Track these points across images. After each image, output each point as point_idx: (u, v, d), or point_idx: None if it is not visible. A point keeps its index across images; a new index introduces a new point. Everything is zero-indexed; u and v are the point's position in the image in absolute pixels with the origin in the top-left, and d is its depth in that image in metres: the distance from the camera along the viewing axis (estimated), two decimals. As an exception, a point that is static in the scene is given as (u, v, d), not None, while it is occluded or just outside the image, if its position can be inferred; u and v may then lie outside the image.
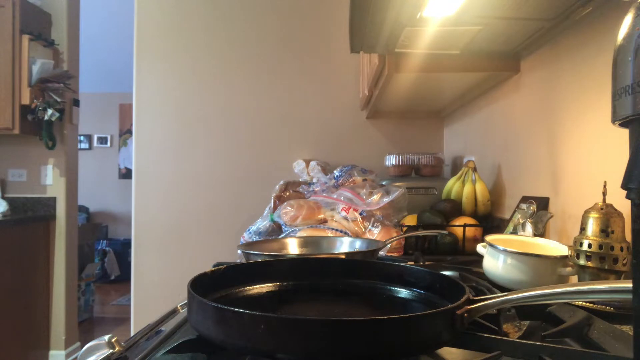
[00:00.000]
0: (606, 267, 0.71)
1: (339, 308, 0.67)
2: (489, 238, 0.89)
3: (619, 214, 0.73)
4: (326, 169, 1.96)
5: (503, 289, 0.80)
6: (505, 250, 0.83)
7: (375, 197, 1.40)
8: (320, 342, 0.42)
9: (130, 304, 2.31)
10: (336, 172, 1.77)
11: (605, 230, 0.72)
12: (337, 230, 1.33)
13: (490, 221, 1.44)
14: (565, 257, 0.79)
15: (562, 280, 0.79)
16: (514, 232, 1.10)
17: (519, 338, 0.58)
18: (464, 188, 1.48)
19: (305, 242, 1.08)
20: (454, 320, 0.46)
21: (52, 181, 3.07)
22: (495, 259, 0.85)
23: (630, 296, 0.36)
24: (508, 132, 1.39)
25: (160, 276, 2.26)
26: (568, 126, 1.02)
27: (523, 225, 1.06)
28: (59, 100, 2.88)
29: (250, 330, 0.43)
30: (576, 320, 0.59)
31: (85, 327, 3.78)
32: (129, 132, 5.88)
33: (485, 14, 0.97)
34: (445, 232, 1.33)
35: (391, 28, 1.04)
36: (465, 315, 0.48)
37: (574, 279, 0.79)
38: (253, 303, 0.64)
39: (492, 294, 0.69)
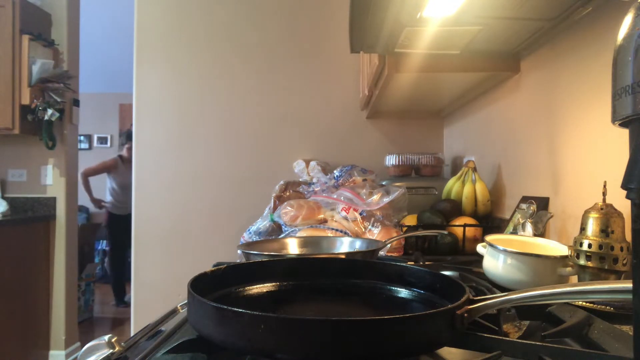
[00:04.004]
0: (606, 267, 0.71)
1: (339, 308, 0.67)
2: (489, 238, 0.89)
3: (619, 214, 0.73)
4: (326, 169, 1.96)
5: (503, 289, 0.80)
6: (505, 250, 0.83)
7: (375, 197, 1.40)
8: (320, 342, 0.42)
9: (130, 304, 2.31)
10: (336, 172, 1.77)
11: (605, 230, 0.72)
12: (337, 230, 1.33)
13: (490, 221, 1.44)
14: (565, 257, 0.79)
15: (562, 280, 0.79)
16: (514, 232, 1.10)
17: (519, 338, 0.58)
18: (464, 188, 1.48)
19: (305, 242, 1.08)
20: (454, 320, 0.46)
21: (52, 181, 3.07)
22: (495, 259, 0.85)
23: (630, 296, 0.36)
24: (508, 132, 1.39)
25: (160, 276, 2.26)
26: (568, 126, 1.02)
27: (523, 225, 1.06)
28: (59, 100, 2.88)
29: (250, 330, 0.43)
30: (576, 320, 0.59)
31: (85, 327, 3.78)
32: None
33: (485, 14, 0.97)
34: (445, 232, 1.33)
35: (391, 28, 1.04)
36: (465, 315, 0.48)
37: (574, 279, 0.79)
38: (253, 303, 0.64)
39: (492, 294, 0.69)
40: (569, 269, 0.79)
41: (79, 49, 3.21)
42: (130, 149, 3.69)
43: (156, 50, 2.28)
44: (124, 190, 4.22)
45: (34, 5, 2.87)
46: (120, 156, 4.36)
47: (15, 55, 2.71)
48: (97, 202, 4.36)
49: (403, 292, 0.66)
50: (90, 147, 6.07)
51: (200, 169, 2.28)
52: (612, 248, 0.71)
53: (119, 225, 4.19)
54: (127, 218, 3.63)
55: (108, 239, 4.58)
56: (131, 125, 3.26)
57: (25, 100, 2.74)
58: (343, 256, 0.92)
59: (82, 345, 0.69)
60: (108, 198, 4.34)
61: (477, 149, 1.71)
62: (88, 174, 4.26)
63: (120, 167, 4.29)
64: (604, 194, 0.75)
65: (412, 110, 2.13)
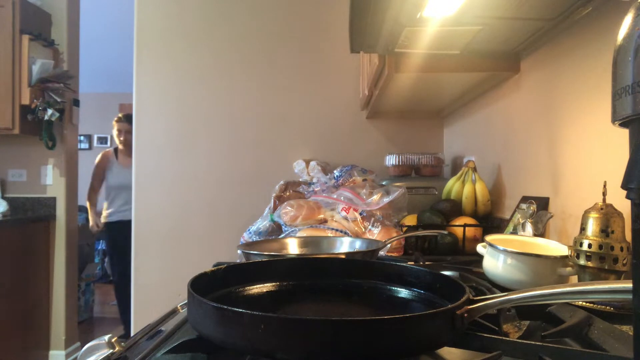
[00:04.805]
0: (606, 267, 0.71)
1: (339, 308, 0.67)
2: (489, 238, 0.89)
3: (619, 214, 0.73)
4: (326, 169, 1.96)
5: (503, 289, 0.80)
6: (505, 250, 0.83)
7: (375, 197, 1.40)
8: (320, 342, 0.42)
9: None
10: (336, 172, 1.77)
11: (605, 230, 0.72)
12: (337, 230, 1.33)
13: (490, 221, 1.44)
14: (565, 257, 0.79)
15: (562, 280, 0.79)
16: (514, 232, 1.10)
17: (519, 338, 0.58)
18: (464, 188, 1.48)
19: (305, 242, 1.08)
20: (454, 320, 0.46)
21: (52, 181, 3.07)
22: (495, 259, 0.85)
23: (630, 296, 0.36)
24: (508, 132, 1.39)
25: (160, 276, 2.26)
26: (568, 126, 1.02)
27: (523, 225, 1.06)
28: (59, 100, 2.88)
29: (250, 330, 0.43)
30: (576, 320, 0.59)
31: (85, 327, 3.79)
32: (129, 132, 5.87)
33: (485, 14, 0.97)
34: (445, 232, 1.33)
35: (391, 28, 1.04)
36: (465, 315, 0.48)
37: (574, 279, 0.79)
38: (253, 303, 0.64)
39: (492, 294, 0.69)
40: (569, 269, 0.79)
41: (79, 49, 3.21)
42: (129, 133, 3.16)
43: (156, 50, 2.28)
44: (119, 192, 3.36)
45: (34, 5, 2.87)
46: (116, 149, 3.52)
47: (15, 55, 2.71)
48: (95, 226, 3.46)
49: (403, 292, 0.66)
50: (90, 147, 6.07)
51: (200, 168, 2.28)
52: (612, 248, 0.71)
53: (119, 233, 3.31)
54: (126, 225, 3.02)
55: (108, 252, 3.71)
56: (126, 115, 3.23)
57: (25, 100, 2.75)
58: (343, 256, 0.92)
59: (82, 345, 0.69)
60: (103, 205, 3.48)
61: (477, 149, 1.71)
62: (92, 185, 3.46)
63: (112, 163, 3.44)
64: (604, 194, 0.75)
65: (412, 110, 2.13)
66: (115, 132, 3.49)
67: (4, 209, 2.93)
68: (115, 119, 3.51)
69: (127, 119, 3.34)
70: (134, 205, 2.29)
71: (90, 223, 3.49)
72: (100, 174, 3.44)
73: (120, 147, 3.51)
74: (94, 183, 3.45)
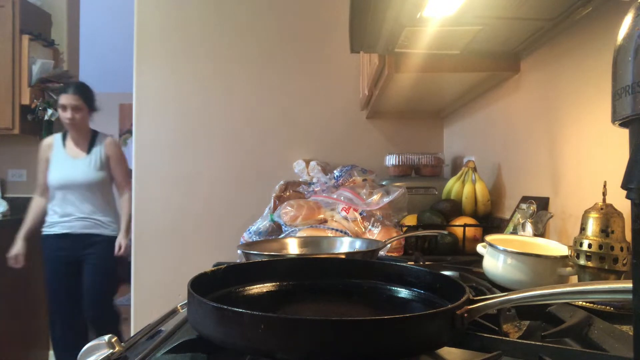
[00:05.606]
0: (606, 267, 0.71)
1: (339, 308, 0.67)
2: (489, 238, 0.89)
3: (619, 214, 0.73)
4: (326, 169, 1.96)
5: (503, 289, 0.80)
6: (505, 250, 0.83)
7: (375, 197, 1.40)
8: (320, 342, 0.42)
9: (130, 304, 2.31)
10: (336, 172, 1.77)
11: (605, 230, 0.72)
12: (337, 230, 1.33)
13: (490, 221, 1.44)
14: (565, 257, 0.79)
15: (562, 280, 0.79)
16: (514, 232, 1.10)
17: (519, 338, 0.58)
18: (464, 188, 1.48)
19: (305, 242, 1.08)
20: (454, 320, 0.46)
21: (52, 181, 3.07)
22: (495, 259, 0.85)
23: (630, 296, 0.36)
24: (508, 132, 1.39)
25: (160, 276, 2.26)
26: (568, 126, 1.02)
27: (523, 225, 1.06)
28: (59, 100, 2.88)
29: (250, 330, 0.43)
30: (576, 320, 0.59)
31: (85, 327, 3.77)
32: (129, 132, 5.87)
33: (485, 14, 0.97)
34: (445, 232, 1.33)
35: (391, 28, 1.04)
36: (465, 315, 0.48)
37: (574, 279, 0.79)
38: (253, 303, 0.64)
39: (492, 294, 0.69)
40: (569, 269, 0.79)
41: (79, 49, 3.21)
42: (78, 110, 2.36)
43: (156, 50, 2.28)
44: (61, 192, 2.40)
45: (34, 5, 2.87)
46: (65, 134, 2.49)
47: (15, 55, 2.72)
48: (13, 259, 2.46)
49: (403, 292, 0.66)
50: (90, 147, 6.06)
51: (200, 168, 2.27)
52: (612, 248, 0.71)
53: (61, 253, 2.42)
54: (72, 241, 2.39)
55: (46, 284, 2.49)
56: (131, 125, 3.17)
57: (25, 100, 2.75)
58: (343, 256, 0.92)
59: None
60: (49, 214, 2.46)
61: (477, 149, 1.71)
62: (38, 186, 2.52)
63: (56, 151, 2.44)
64: (604, 194, 0.75)
65: (412, 110, 2.13)
66: (59, 109, 2.43)
67: (4, 209, 2.93)
68: (59, 88, 2.52)
69: (76, 89, 2.41)
70: (134, 205, 2.28)
71: (13, 250, 2.46)
72: (46, 168, 2.45)
73: (67, 122, 2.40)
74: (40, 183, 2.49)
